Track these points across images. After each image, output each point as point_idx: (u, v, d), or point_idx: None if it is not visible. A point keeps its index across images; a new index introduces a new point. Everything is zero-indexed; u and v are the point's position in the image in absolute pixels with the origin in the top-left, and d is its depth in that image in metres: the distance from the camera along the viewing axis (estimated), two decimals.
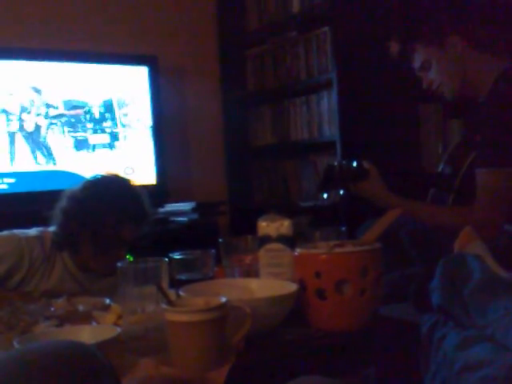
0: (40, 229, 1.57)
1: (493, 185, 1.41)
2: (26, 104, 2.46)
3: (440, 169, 1.74)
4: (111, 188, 1.55)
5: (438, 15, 1.56)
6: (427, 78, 1.63)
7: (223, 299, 0.93)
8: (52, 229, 1.56)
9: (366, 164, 1.61)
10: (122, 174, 1.70)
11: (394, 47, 2.52)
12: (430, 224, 1.50)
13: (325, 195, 1.69)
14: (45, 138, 2.49)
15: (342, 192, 1.62)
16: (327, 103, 2.64)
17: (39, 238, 1.53)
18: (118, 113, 2.66)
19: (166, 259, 1.13)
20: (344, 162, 1.62)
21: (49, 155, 2.50)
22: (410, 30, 1.61)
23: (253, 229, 1.24)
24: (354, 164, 1.60)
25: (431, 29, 1.56)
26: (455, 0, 1.59)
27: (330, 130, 2.62)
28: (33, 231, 1.56)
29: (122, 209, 1.51)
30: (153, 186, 2.69)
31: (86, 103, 2.58)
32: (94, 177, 1.61)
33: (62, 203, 1.54)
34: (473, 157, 1.53)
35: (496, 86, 1.48)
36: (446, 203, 1.59)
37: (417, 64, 1.64)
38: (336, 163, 1.63)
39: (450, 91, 1.60)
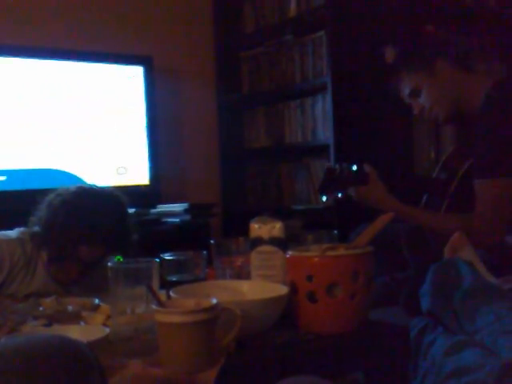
0: (21, 230, 1.55)
1: (491, 195, 1.41)
2: (20, 101, 2.44)
3: (435, 174, 1.75)
4: (90, 203, 1.49)
5: (423, 42, 1.57)
6: (418, 104, 1.64)
7: (214, 301, 0.93)
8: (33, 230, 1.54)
9: (366, 168, 1.60)
10: (117, 192, 1.59)
11: (390, 53, 2.54)
12: (429, 230, 1.49)
13: (324, 198, 1.67)
14: (38, 136, 2.48)
15: (340, 195, 1.60)
16: (321, 107, 2.64)
17: (20, 240, 1.51)
18: (112, 112, 2.65)
19: (157, 260, 1.12)
20: (345, 165, 1.61)
21: (41, 153, 2.49)
22: (397, 60, 1.62)
23: (245, 231, 1.23)
24: (354, 168, 1.59)
25: (419, 56, 1.57)
26: (439, 24, 1.60)
27: (324, 134, 2.63)
28: (14, 233, 1.54)
29: (89, 227, 1.45)
30: (146, 186, 2.69)
31: (81, 101, 2.57)
32: (82, 187, 1.55)
33: (42, 209, 1.52)
34: (469, 164, 1.54)
35: (488, 97, 1.48)
36: (440, 209, 1.59)
37: (405, 91, 1.65)
38: (337, 165, 1.62)
39: (443, 114, 1.61)
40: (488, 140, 1.44)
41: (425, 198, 1.71)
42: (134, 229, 1.57)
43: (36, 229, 1.51)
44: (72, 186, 1.55)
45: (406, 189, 1.80)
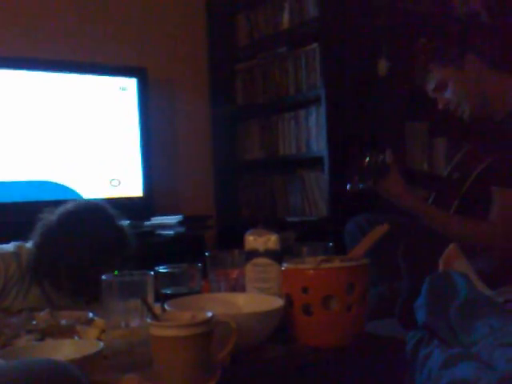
0: (17, 244, 1.53)
1: (510, 204, 1.39)
2: (12, 113, 2.43)
3: (447, 173, 1.73)
4: (88, 224, 1.48)
5: (454, 36, 1.56)
6: (443, 98, 1.61)
7: (209, 314, 0.92)
8: (29, 245, 1.53)
9: (388, 158, 1.58)
10: (103, 201, 1.59)
11: (382, 65, 2.56)
12: (442, 232, 1.47)
13: (348, 186, 1.64)
14: (31, 148, 2.47)
15: (361, 186, 1.58)
16: (315, 119, 2.65)
17: (15, 254, 1.49)
18: (105, 124, 2.64)
19: (152, 273, 1.11)
20: (374, 154, 1.57)
21: (34, 165, 2.47)
22: (429, 51, 1.60)
23: (239, 243, 1.23)
24: (380, 159, 1.58)
25: (449, 49, 1.55)
26: (471, 20, 1.59)
27: (318, 145, 2.63)
28: (9, 247, 1.52)
29: (100, 247, 1.45)
30: (139, 198, 2.68)
31: (74, 113, 2.56)
32: (71, 207, 1.53)
33: (36, 236, 1.50)
34: (485, 165, 1.52)
35: None
36: (449, 208, 1.58)
37: (431, 85, 1.62)
38: (367, 156, 1.58)
39: (469, 110, 1.58)
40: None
41: (433, 195, 1.70)
42: (132, 239, 1.57)
43: (33, 252, 1.49)
44: (55, 216, 1.52)
45: (418, 186, 1.78)
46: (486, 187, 1.44)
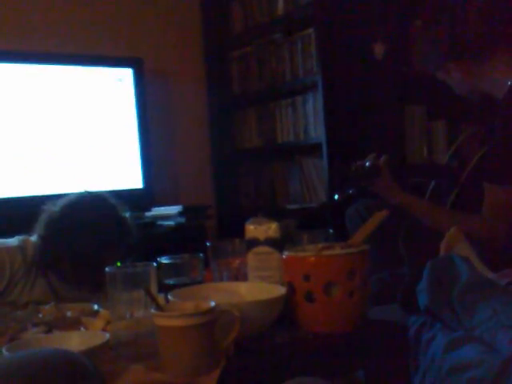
0: (21, 238, 1.54)
1: (502, 201, 1.37)
2: (7, 106, 2.41)
3: (446, 160, 1.73)
4: (91, 215, 1.49)
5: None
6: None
7: (212, 303, 0.93)
8: (33, 238, 1.53)
9: (382, 159, 1.60)
10: (105, 192, 1.61)
11: (379, 49, 2.55)
12: (435, 227, 1.48)
13: (336, 196, 1.66)
14: (27, 140, 2.46)
15: (351, 191, 1.61)
16: (313, 105, 2.65)
17: (20, 248, 1.50)
18: (103, 115, 2.64)
19: (155, 263, 1.12)
20: (359, 163, 1.60)
21: (32, 158, 2.47)
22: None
23: (240, 232, 1.24)
24: (367, 164, 1.60)
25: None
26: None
27: (316, 132, 2.63)
28: (14, 241, 1.53)
29: (103, 238, 1.47)
30: (139, 189, 2.68)
31: (70, 105, 2.55)
32: (74, 199, 1.54)
33: (40, 229, 1.50)
34: (483, 152, 1.51)
35: (510, 95, 1.41)
36: (448, 197, 1.58)
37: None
38: (353, 165, 1.61)
39: (479, 98, 1.55)
40: (505, 143, 1.39)
41: (432, 184, 1.70)
42: (134, 228, 1.58)
43: (37, 243, 1.50)
44: (58, 207, 1.52)
45: (417, 175, 1.78)
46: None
